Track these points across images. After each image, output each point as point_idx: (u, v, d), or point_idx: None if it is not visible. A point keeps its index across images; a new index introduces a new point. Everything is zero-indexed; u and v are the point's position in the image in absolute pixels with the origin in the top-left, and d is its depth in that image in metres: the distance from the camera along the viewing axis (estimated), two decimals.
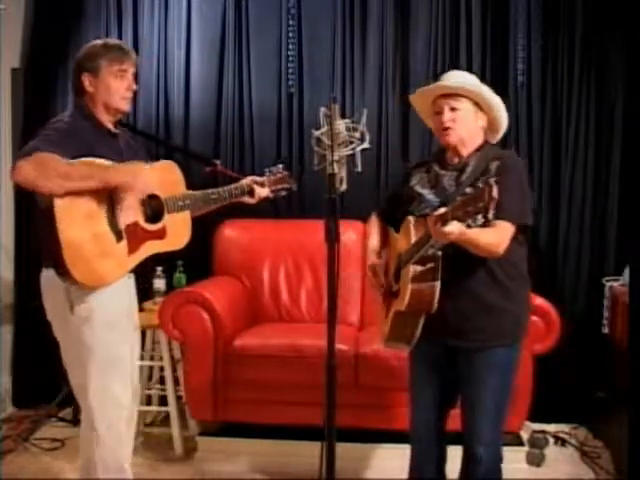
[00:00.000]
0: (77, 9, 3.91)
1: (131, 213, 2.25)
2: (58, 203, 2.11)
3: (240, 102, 3.88)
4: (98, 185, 2.16)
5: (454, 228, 1.86)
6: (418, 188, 2.32)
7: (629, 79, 3.55)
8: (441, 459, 2.44)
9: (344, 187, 2.11)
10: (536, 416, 3.38)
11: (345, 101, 3.77)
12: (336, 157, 2.04)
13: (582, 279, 3.67)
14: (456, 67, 3.68)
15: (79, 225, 2.15)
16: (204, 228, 3.68)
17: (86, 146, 2.20)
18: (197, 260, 3.73)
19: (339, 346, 1.98)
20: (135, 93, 3.81)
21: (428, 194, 2.28)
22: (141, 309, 3.52)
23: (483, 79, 3.64)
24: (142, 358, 3.55)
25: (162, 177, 2.39)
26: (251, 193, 2.67)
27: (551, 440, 3.40)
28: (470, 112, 2.24)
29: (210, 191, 2.55)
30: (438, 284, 2.09)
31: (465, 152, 2.26)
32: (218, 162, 2.76)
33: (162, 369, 3.46)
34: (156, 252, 2.35)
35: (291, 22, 3.81)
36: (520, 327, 2.30)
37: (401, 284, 2.18)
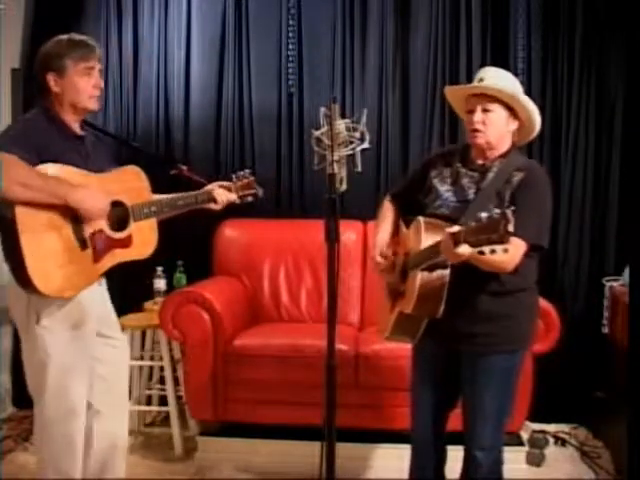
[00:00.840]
0: (77, 9, 3.91)
1: (96, 222, 2.20)
2: (20, 210, 2.05)
3: (240, 102, 3.88)
4: (55, 202, 2.10)
5: (465, 251, 1.83)
6: (436, 182, 2.28)
7: (629, 79, 3.55)
8: (440, 460, 2.44)
9: (344, 187, 2.12)
10: (536, 416, 3.38)
11: (345, 101, 3.76)
12: (336, 157, 2.05)
13: (582, 279, 3.67)
14: (456, 67, 3.70)
15: (41, 234, 2.09)
16: (204, 228, 3.71)
17: (51, 152, 2.14)
18: (197, 260, 3.74)
19: (339, 346, 1.98)
20: (135, 92, 3.90)
21: (446, 191, 2.24)
22: (141, 309, 3.55)
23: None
24: (142, 358, 3.57)
25: (127, 183, 2.34)
26: (215, 199, 2.60)
27: (551, 440, 3.40)
28: (502, 116, 2.18)
29: (176, 196, 2.49)
30: (445, 293, 2.07)
31: (491, 155, 2.21)
32: (184, 167, 2.72)
33: (162, 369, 3.46)
34: (122, 261, 2.30)
35: (291, 22, 3.81)
36: (524, 334, 2.28)
37: (408, 287, 2.16)
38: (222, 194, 2.62)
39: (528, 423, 3.36)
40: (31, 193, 2.05)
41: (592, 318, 3.55)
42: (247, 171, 2.77)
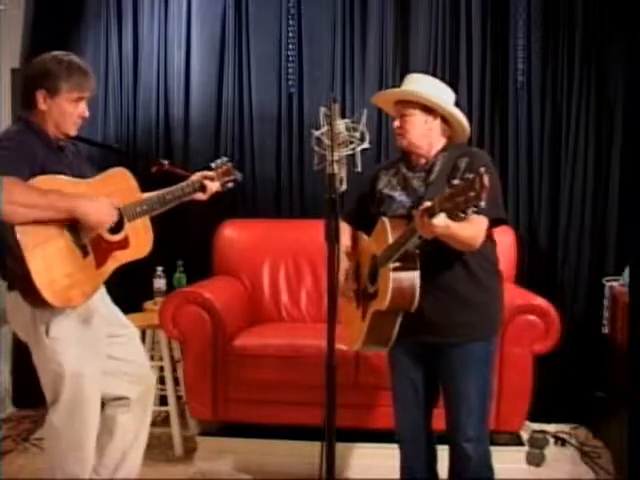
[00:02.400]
0: (77, 9, 3.92)
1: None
2: (19, 229, 2.03)
3: (240, 102, 3.88)
4: (62, 217, 2.10)
5: (440, 221, 1.87)
6: (387, 190, 2.36)
7: (629, 79, 3.55)
8: (431, 458, 2.46)
9: (344, 187, 2.12)
10: (536, 416, 3.38)
11: (345, 101, 3.76)
12: (336, 157, 2.04)
13: (582, 279, 3.67)
14: (456, 67, 3.70)
15: (44, 247, 2.08)
16: (204, 228, 3.71)
17: (39, 164, 2.12)
18: (197, 260, 3.74)
19: (339, 346, 1.97)
20: (135, 93, 3.90)
21: (399, 195, 2.31)
22: (141, 309, 3.55)
23: (483, 79, 3.71)
24: None
25: (116, 185, 2.34)
26: (203, 189, 2.61)
27: (551, 440, 3.40)
28: (419, 117, 2.29)
29: (164, 192, 2.48)
30: (418, 280, 2.11)
31: (427, 153, 2.31)
32: (166, 162, 2.71)
33: (162, 369, 3.46)
34: (122, 263, 2.31)
35: (291, 22, 3.81)
36: (496, 320, 2.35)
37: (380, 284, 2.19)
38: (209, 183, 2.63)
39: (528, 423, 3.35)
40: (37, 213, 2.04)
41: (592, 318, 3.56)
42: (224, 159, 2.76)
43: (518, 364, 2.96)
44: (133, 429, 2.46)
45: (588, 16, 3.59)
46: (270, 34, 3.84)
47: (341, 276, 2.35)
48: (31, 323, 2.20)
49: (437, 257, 2.15)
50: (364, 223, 2.39)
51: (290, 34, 3.81)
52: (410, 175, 2.33)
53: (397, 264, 2.11)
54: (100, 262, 2.23)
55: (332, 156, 2.01)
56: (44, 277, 2.07)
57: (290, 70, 3.84)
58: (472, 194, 1.71)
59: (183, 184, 2.57)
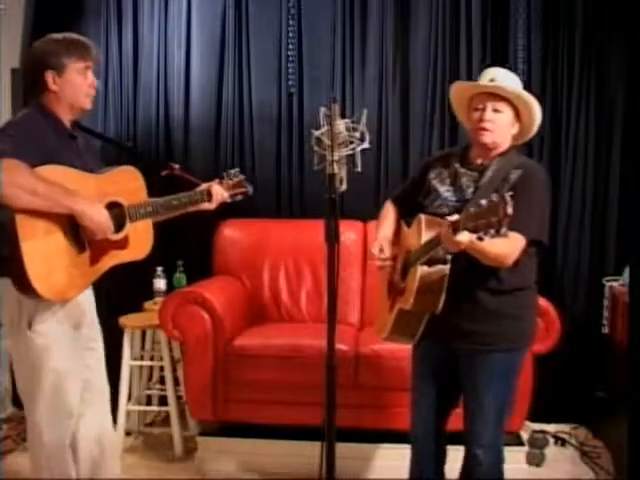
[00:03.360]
0: (77, 9, 3.91)
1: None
2: (20, 217, 2.03)
3: (240, 102, 3.88)
4: (60, 211, 2.10)
5: (464, 238, 1.84)
6: (435, 183, 2.30)
7: (629, 79, 3.55)
8: (440, 460, 2.44)
9: (344, 187, 2.11)
10: (536, 416, 3.38)
11: (345, 101, 3.76)
12: (336, 157, 2.04)
13: (582, 279, 3.67)
14: (456, 67, 3.70)
15: (41, 238, 2.07)
16: (204, 228, 3.71)
17: (48, 151, 2.13)
18: (197, 260, 3.74)
19: (339, 346, 1.98)
20: (135, 93, 3.90)
21: (445, 191, 2.26)
22: (141, 309, 3.55)
23: None
24: (142, 358, 3.58)
25: (124, 184, 2.33)
26: (210, 198, 2.59)
27: (551, 440, 3.40)
28: (510, 118, 2.21)
29: (171, 197, 2.47)
30: (444, 287, 2.08)
31: (491, 154, 2.23)
32: (177, 166, 2.67)
33: (162, 369, 3.46)
34: (119, 263, 2.30)
35: (291, 22, 3.81)
36: (524, 333, 2.29)
37: (407, 283, 2.17)
38: (219, 191, 2.61)
39: (528, 423, 3.36)
40: (39, 201, 2.04)
41: (592, 318, 3.56)
42: (236, 170, 2.76)
43: None
44: (94, 437, 2.40)
45: (588, 16, 3.59)
46: (270, 34, 3.84)
47: (375, 248, 2.32)
48: (16, 316, 2.19)
49: (469, 265, 2.08)
50: (410, 209, 2.34)
51: (290, 34, 3.81)
52: (462, 171, 2.26)
53: (425, 267, 2.07)
54: (95, 259, 2.22)
55: (332, 156, 2.01)
56: (38, 268, 2.06)
57: (290, 70, 3.83)
58: (494, 219, 1.68)
59: (191, 192, 2.55)
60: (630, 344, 2.62)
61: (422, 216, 2.17)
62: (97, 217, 2.16)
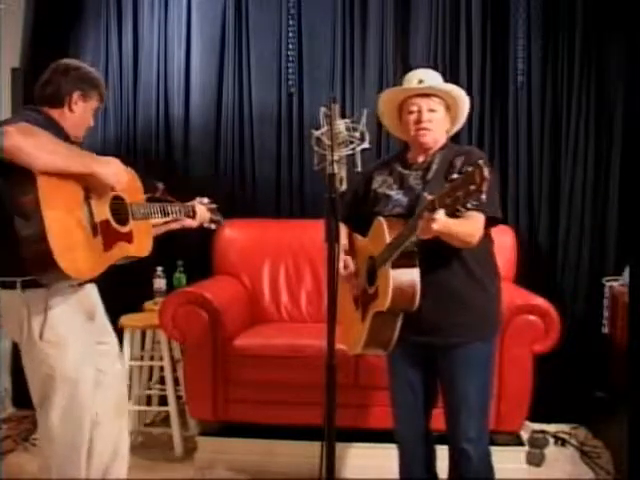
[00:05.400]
0: (77, 9, 3.92)
1: (103, 210, 2.22)
2: (42, 185, 1.97)
3: (240, 102, 3.88)
4: (82, 170, 2.09)
5: (441, 216, 1.86)
6: (383, 189, 2.34)
7: (629, 79, 3.55)
8: (430, 458, 2.45)
9: (344, 187, 2.11)
10: (536, 416, 3.38)
11: (345, 101, 3.76)
12: (336, 157, 2.04)
13: (582, 279, 3.67)
14: (456, 67, 3.70)
15: (62, 212, 2.04)
16: (204, 228, 3.70)
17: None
18: (197, 260, 3.74)
19: (339, 346, 1.97)
20: (135, 93, 3.90)
21: (396, 194, 2.29)
22: (141, 309, 3.55)
23: (483, 79, 3.71)
24: (142, 358, 3.57)
25: (128, 182, 2.34)
26: (194, 215, 2.67)
27: (551, 440, 3.40)
28: (443, 114, 2.29)
29: (166, 204, 2.53)
30: (418, 278, 2.10)
31: (430, 151, 2.30)
32: (161, 186, 2.66)
33: (162, 369, 3.46)
34: (126, 256, 2.30)
35: (291, 22, 3.81)
36: (495, 321, 2.34)
37: (379, 285, 2.18)
38: (203, 210, 2.70)
39: (528, 423, 3.35)
40: (59, 160, 2.02)
41: (592, 318, 3.56)
42: (206, 200, 2.79)
43: (518, 364, 2.96)
44: (111, 444, 2.41)
45: (588, 16, 3.59)
46: (270, 34, 3.84)
47: (341, 271, 2.32)
48: (25, 322, 2.16)
49: (435, 255, 2.13)
50: (360, 224, 2.38)
51: (290, 34, 3.81)
52: (406, 173, 2.31)
53: (396, 263, 2.09)
54: (108, 246, 2.22)
55: (332, 156, 2.01)
56: (61, 242, 1.98)
57: (290, 70, 3.84)
58: (472, 187, 1.70)
59: (182, 204, 2.64)
60: (630, 344, 2.62)
61: (381, 218, 2.21)
62: (115, 170, 2.21)
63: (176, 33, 3.88)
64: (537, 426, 3.46)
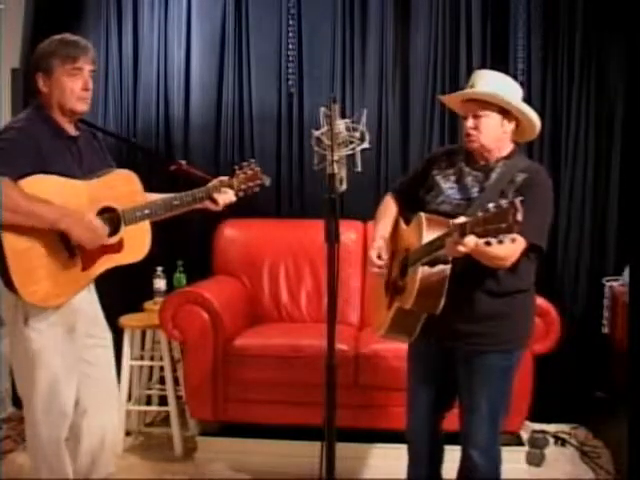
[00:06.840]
0: (77, 9, 3.91)
1: None
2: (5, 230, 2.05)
3: (240, 102, 3.88)
4: (43, 226, 2.10)
5: (471, 241, 1.83)
6: (439, 179, 2.29)
7: (629, 79, 3.55)
8: (437, 459, 2.44)
9: (344, 187, 2.11)
10: (536, 416, 3.38)
11: (345, 101, 3.76)
12: (336, 157, 2.04)
13: (582, 279, 3.67)
14: (456, 67, 3.70)
15: (28, 244, 2.09)
16: (204, 228, 3.71)
17: (42, 157, 2.12)
18: (197, 260, 3.74)
19: (339, 346, 1.98)
20: (135, 93, 3.90)
21: (449, 188, 2.25)
22: (141, 309, 3.55)
23: None
24: (142, 358, 3.58)
25: (118, 189, 2.31)
26: (214, 199, 2.48)
27: (551, 440, 3.40)
28: (496, 120, 2.19)
29: (172, 196, 2.41)
30: (445, 289, 2.07)
31: (492, 157, 2.23)
32: (184, 162, 2.61)
33: (162, 369, 3.46)
34: (113, 266, 2.29)
35: (291, 22, 3.81)
36: (521, 335, 2.28)
37: (408, 282, 2.15)
38: (221, 196, 2.50)
39: (528, 423, 3.36)
40: (21, 219, 2.05)
41: (592, 318, 3.56)
42: (252, 160, 2.62)
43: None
44: (98, 433, 2.41)
45: (588, 16, 3.59)
46: (270, 34, 3.83)
47: (373, 253, 2.29)
48: (12, 311, 2.21)
49: (468, 267, 2.06)
50: (410, 203, 2.34)
51: (290, 34, 3.81)
52: (467, 171, 2.25)
53: (426, 267, 2.05)
54: (88, 264, 2.22)
55: (332, 156, 2.01)
56: (22, 277, 2.08)
57: (290, 70, 3.83)
58: (503, 225, 1.66)
59: (194, 190, 2.46)
60: (630, 344, 2.62)
61: (422, 215, 2.15)
62: (84, 232, 2.16)
63: (176, 33, 3.87)
64: (537, 426, 3.46)
